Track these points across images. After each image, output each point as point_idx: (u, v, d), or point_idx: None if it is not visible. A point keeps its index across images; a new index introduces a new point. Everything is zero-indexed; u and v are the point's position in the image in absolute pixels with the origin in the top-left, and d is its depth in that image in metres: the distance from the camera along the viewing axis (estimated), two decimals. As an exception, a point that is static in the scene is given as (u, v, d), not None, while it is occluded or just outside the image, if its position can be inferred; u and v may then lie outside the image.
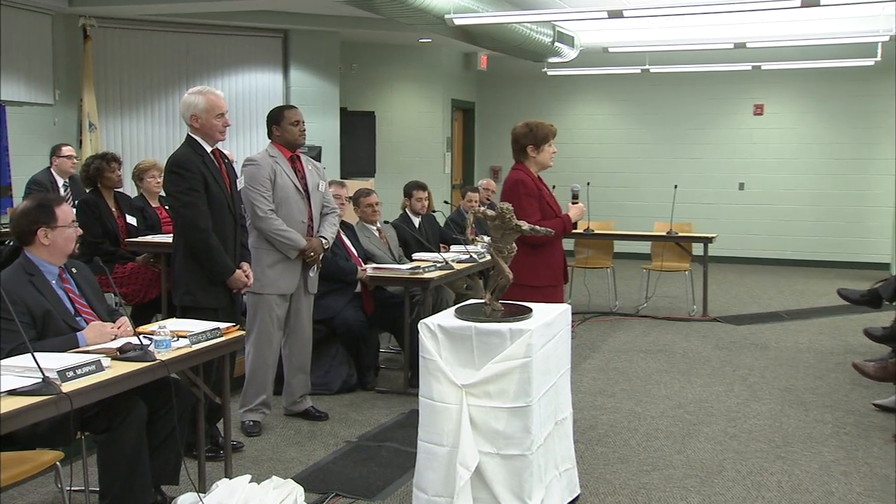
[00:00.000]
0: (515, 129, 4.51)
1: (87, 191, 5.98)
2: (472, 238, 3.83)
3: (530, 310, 3.64)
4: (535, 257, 4.38)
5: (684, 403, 5.56)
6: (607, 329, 8.01)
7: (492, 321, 3.46)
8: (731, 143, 12.86)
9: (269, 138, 4.84)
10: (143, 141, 9.65)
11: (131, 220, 5.94)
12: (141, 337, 3.25)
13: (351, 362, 5.79)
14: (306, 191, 4.80)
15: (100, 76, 9.16)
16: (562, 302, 4.33)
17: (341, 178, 9.92)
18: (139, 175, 6.30)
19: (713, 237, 8.76)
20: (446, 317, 3.58)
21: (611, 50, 11.47)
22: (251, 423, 4.85)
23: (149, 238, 5.84)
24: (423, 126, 12.53)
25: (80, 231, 3.59)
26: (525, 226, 3.66)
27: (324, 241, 4.85)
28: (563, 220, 4.46)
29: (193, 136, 4.30)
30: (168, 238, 5.66)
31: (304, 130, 4.80)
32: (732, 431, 4.99)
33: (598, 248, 9.41)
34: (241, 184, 4.72)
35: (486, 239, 6.56)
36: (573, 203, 4.61)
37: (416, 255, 6.44)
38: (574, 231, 4.73)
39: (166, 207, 6.17)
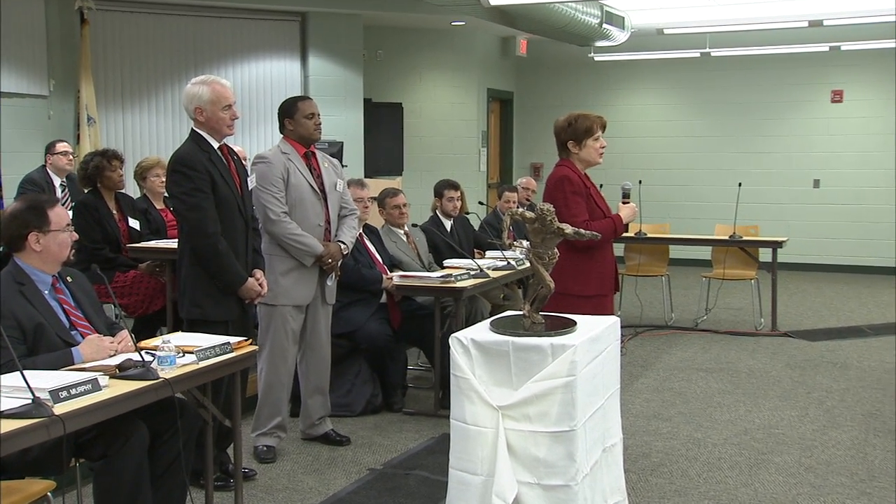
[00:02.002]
0: (556, 123, 4.54)
1: (86, 191, 6.05)
2: (509, 243, 3.82)
3: (574, 323, 3.62)
4: (581, 263, 4.36)
5: (751, 429, 5.50)
6: (662, 344, 7.95)
7: (531, 335, 3.45)
8: (805, 135, 12.72)
9: (281, 133, 4.88)
10: (147, 136, 9.76)
11: (134, 223, 6.00)
12: (143, 353, 3.27)
13: (375, 381, 5.80)
14: (323, 191, 4.83)
15: (99, 65, 9.27)
16: (611, 313, 4.31)
17: (365, 176, 9.96)
18: (142, 174, 6.36)
19: (783, 241, 8.68)
20: (481, 330, 3.57)
21: (666, 31, 11.40)
22: (264, 448, 4.88)
23: (153, 243, 5.88)
24: (455, 119, 12.54)
25: (75, 236, 3.63)
26: (568, 229, 3.64)
27: (343, 246, 4.88)
28: (613, 220, 4.44)
29: (198, 130, 4.34)
30: (174, 243, 5.72)
31: (320, 124, 4.84)
32: (808, 462, 4.91)
33: (651, 254, 9.36)
34: (251, 183, 4.75)
35: (525, 244, 6.57)
36: (624, 202, 4.59)
37: (447, 262, 6.45)
38: (624, 234, 4.70)
39: (172, 209, 6.22)
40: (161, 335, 4.62)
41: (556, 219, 3.61)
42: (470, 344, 3.44)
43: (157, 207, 6.33)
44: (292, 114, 4.81)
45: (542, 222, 3.60)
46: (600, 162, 4.52)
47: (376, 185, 7.39)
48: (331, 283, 4.93)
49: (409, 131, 12.19)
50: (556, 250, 3.69)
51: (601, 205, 4.50)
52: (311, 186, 4.78)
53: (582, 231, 3.70)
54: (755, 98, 12.91)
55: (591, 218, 4.37)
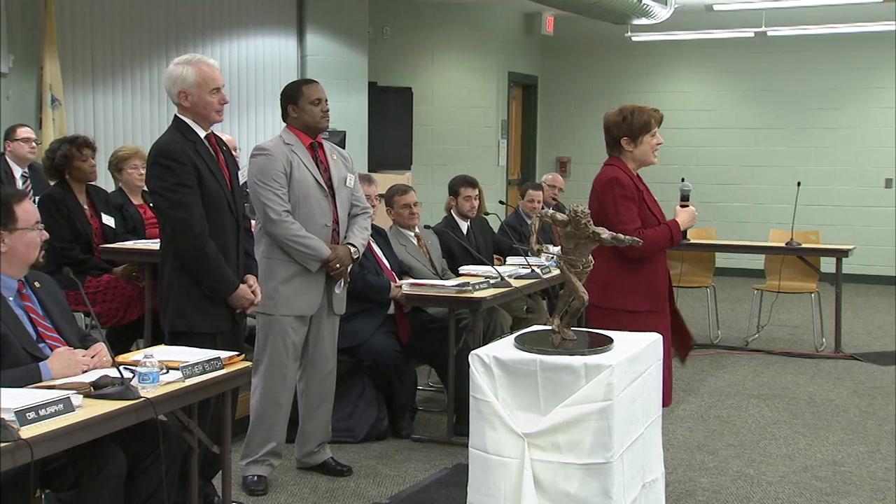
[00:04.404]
0: (608, 117, 4.63)
1: (52, 183, 6.09)
2: (538, 248, 3.85)
3: (611, 339, 3.64)
4: (630, 275, 4.42)
5: (812, 466, 5.50)
6: (706, 366, 7.96)
7: (562, 353, 3.47)
8: (876, 128, 12.67)
9: (284, 121, 4.92)
10: (120, 121, 9.79)
11: (108, 220, 6.04)
12: (121, 368, 3.30)
13: (381, 402, 5.83)
14: (330, 186, 4.86)
15: (66, 39, 9.28)
16: (667, 332, 4.33)
17: (369, 170, 10.00)
18: (118, 165, 6.40)
19: (849, 250, 8.66)
20: (504, 347, 3.60)
21: (716, 7, 11.41)
22: (255, 478, 4.90)
23: (129, 244, 5.93)
24: (472, 106, 12.57)
25: (45, 235, 3.67)
26: (605, 233, 3.67)
27: (352, 249, 4.91)
28: (668, 227, 4.51)
29: (182, 117, 4.38)
30: (154, 244, 5.75)
31: (328, 111, 4.87)
32: (879, 506, 4.93)
33: (694, 262, 9.35)
34: (242, 177, 4.79)
35: (553, 249, 6.59)
36: (682, 206, 4.62)
37: (463, 269, 6.48)
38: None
39: (151, 205, 6.26)
40: (140, 349, 4.66)
41: (591, 222, 3.63)
42: (492, 362, 3.47)
43: (135, 203, 6.37)
44: (296, 99, 4.84)
45: (575, 226, 3.63)
46: (655, 161, 4.62)
47: (382, 181, 7.42)
48: (339, 290, 4.96)
49: (419, 120, 12.22)
50: (590, 257, 3.72)
51: (655, 210, 4.55)
52: (318, 182, 4.82)
53: (621, 236, 3.73)
54: (817, 85, 12.88)
55: (645, 225, 4.42)
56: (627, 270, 4.38)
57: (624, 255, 4.28)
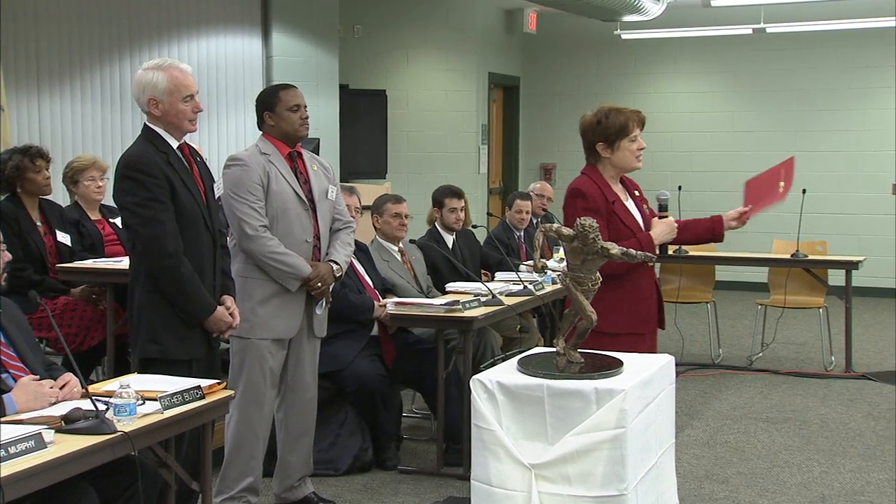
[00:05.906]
0: (583, 121, 4.58)
1: (2, 198, 6.06)
2: (541, 265, 3.86)
3: (621, 362, 3.67)
4: (609, 294, 4.36)
5: (830, 495, 5.53)
6: (709, 387, 8.00)
7: (570, 377, 3.49)
8: (883, 130, 12.75)
9: (260, 129, 4.92)
10: (70, 128, 9.72)
11: (63, 237, 6.02)
12: (94, 399, 3.28)
13: (365, 431, 5.82)
14: (311, 199, 4.86)
15: (8, 38, 9.19)
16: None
17: (342, 180, 9.97)
18: (74, 177, 6.36)
19: (858, 261, 8.72)
20: (507, 371, 3.61)
21: (713, 3, 11.49)
22: (231, 515, 4.89)
23: (88, 263, 5.91)
24: (450, 110, 12.60)
25: (8, 256, 3.65)
26: (615, 248, 3.69)
27: (335, 266, 4.91)
28: (639, 240, 4.41)
29: (153, 126, 4.37)
30: (115, 263, 5.75)
31: (307, 117, 4.92)
32: (901, 536, 4.97)
33: (693, 276, 9.40)
34: (218, 190, 4.79)
35: (551, 264, 6.60)
36: (660, 217, 4.61)
37: (450, 286, 6.49)
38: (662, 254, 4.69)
39: (111, 221, 6.25)
40: (101, 378, 4.64)
41: (599, 236, 3.66)
42: (496, 388, 3.48)
43: (92, 218, 6.35)
44: (273, 106, 4.85)
45: (582, 241, 3.65)
46: (639, 167, 4.55)
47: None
48: (320, 311, 4.96)
49: (393, 125, 12.24)
50: (598, 275, 3.75)
51: (630, 222, 4.51)
52: (297, 194, 4.82)
53: (632, 251, 3.75)
54: (820, 85, 12.98)
55: (614, 239, 4.36)
56: (604, 288, 4.28)
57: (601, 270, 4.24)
